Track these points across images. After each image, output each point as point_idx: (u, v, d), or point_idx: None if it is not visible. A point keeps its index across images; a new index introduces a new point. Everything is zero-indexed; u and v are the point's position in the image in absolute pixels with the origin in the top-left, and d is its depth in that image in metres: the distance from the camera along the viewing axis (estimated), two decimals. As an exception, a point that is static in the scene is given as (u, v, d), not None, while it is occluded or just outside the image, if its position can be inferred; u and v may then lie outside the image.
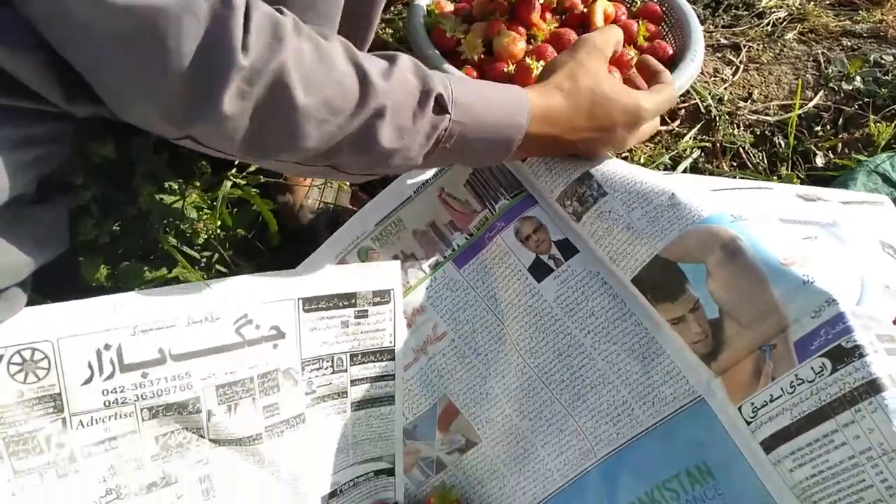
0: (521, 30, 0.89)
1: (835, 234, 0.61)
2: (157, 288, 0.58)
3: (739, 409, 0.58)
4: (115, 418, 0.55)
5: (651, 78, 0.71)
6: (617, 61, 0.81)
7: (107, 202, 0.65)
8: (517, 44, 0.86)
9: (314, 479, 0.66)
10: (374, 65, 0.52)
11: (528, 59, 0.84)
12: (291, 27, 0.48)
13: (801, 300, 0.53)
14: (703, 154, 0.95)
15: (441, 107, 0.54)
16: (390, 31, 1.13)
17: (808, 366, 0.53)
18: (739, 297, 0.56)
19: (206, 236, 0.69)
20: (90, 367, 0.54)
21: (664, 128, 0.98)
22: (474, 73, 0.87)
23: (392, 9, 1.17)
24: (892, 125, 0.91)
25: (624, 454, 0.64)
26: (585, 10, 0.93)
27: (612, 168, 0.65)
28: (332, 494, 0.68)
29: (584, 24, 0.92)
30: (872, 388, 0.49)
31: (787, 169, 0.92)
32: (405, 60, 0.54)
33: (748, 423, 0.57)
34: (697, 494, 0.60)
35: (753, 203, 0.63)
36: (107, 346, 0.55)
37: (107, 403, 0.55)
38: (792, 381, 0.54)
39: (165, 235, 0.66)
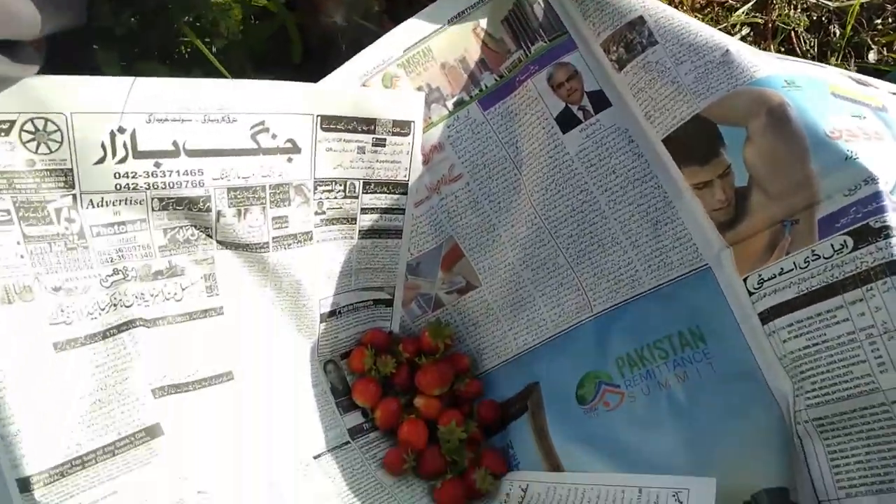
0: None
1: (883, 118, 0.58)
2: (174, 79, 0.55)
3: (745, 280, 0.58)
4: (126, 203, 0.55)
5: None
6: None
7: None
8: None
9: (315, 296, 0.67)
10: None
11: None
12: None
13: (839, 175, 0.52)
14: (752, 33, 0.90)
15: None
16: None
17: (827, 243, 0.52)
18: (775, 166, 0.55)
19: (227, 38, 0.66)
20: (103, 147, 0.53)
21: (718, -2, 0.91)
22: None
23: None
24: (960, 25, 0.86)
25: (620, 312, 0.65)
26: None
27: (668, 15, 0.61)
28: (332, 314, 0.70)
29: None
30: (891, 268, 0.49)
31: (837, 60, 0.88)
32: None
33: (750, 294, 0.57)
34: (686, 356, 0.61)
35: (808, 72, 0.60)
36: (121, 130, 0.53)
37: (118, 187, 0.54)
38: (807, 257, 0.53)
39: (186, 27, 0.62)
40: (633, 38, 0.62)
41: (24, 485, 0.48)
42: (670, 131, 0.61)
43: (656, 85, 0.61)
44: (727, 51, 0.59)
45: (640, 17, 0.62)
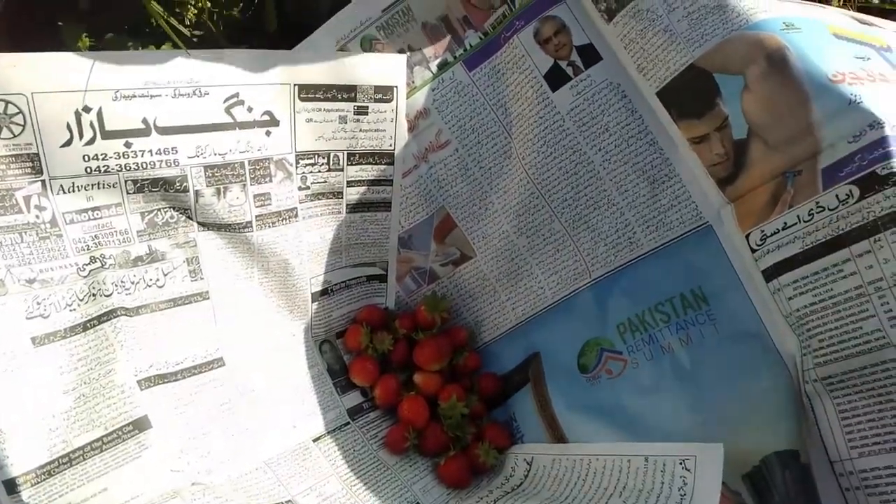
0: None
1: (888, 59, 0.55)
2: (138, 52, 0.52)
3: (747, 237, 0.55)
4: (98, 187, 0.53)
5: None
6: None
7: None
8: None
9: (304, 275, 0.65)
10: None
11: None
12: None
13: (843, 121, 0.49)
14: (749, -23, 0.86)
15: None
16: None
17: (832, 193, 0.50)
18: (775, 114, 0.52)
19: (197, 9, 0.63)
20: (69, 129, 0.50)
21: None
22: None
23: None
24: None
25: (619, 276, 0.63)
26: None
27: None
28: (323, 293, 0.68)
29: None
30: (899, 218, 0.46)
31: (839, 2, 0.84)
32: None
33: (753, 252, 0.55)
34: (689, 318, 0.59)
35: (808, 13, 0.56)
36: (86, 109, 0.51)
37: (88, 170, 0.52)
38: (811, 209, 0.51)
39: (150, 2, 0.59)
40: (623, -14, 0.59)
41: (11, 486, 0.47)
42: (664, 83, 0.58)
43: (648, 34, 0.58)
44: (722, -7, 0.55)
45: (630, -38, 0.59)
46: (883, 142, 0.48)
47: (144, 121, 0.53)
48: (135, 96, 0.53)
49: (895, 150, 0.47)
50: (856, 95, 0.49)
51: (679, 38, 0.56)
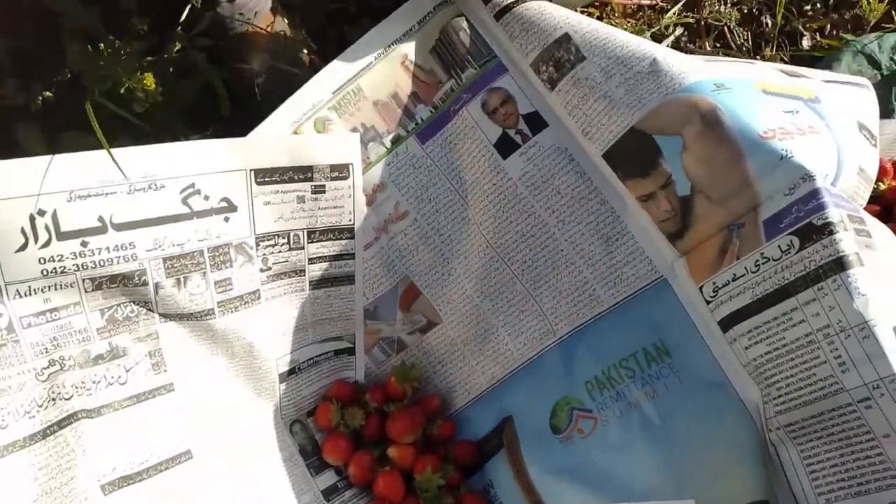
0: None
1: (816, 110, 0.58)
2: (92, 152, 0.53)
3: (700, 288, 0.57)
4: (56, 288, 0.53)
5: None
6: None
7: (32, 61, 0.59)
8: None
9: (271, 356, 0.65)
10: None
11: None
12: None
13: (777, 175, 0.51)
14: (685, 32, 0.90)
15: None
16: None
17: (775, 244, 0.51)
18: (714, 171, 0.54)
19: (148, 103, 0.64)
20: (23, 233, 0.51)
21: (646, 2, 0.91)
22: None
23: None
24: (886, 1, 0.86)
25: (583, 333, 0.64)
26: None
27: (593, 29, 0.60)
28: (291, 372, 0.68)
29: None
30: (839, 265, 0.48)
31: (771, 50, 0.88)
32: None
33: (708, 303, 0.56)
34: (653, 372, 0.60)
35: (737, 73, 0.59)
36: (41, 212, 0.51)
37: (45, 272, 0.52)
38: (757, 260, 0.53)
39: (102, 100, 0.61)
40: (561, 55, 0.62)
41: None
42: (608, 146, 0.60)
43: (589, 101, 0.60)
44: (654, 59, 0.58)
45: (566, 35, 0.61)
46: (816, 194, 0.50)
47: (100, 219, 0.54)
48: (90, 195, 0.53)
49: (828, 202, 0.49)
50: (786, 150, 0.51)
51: (618, 103, 0.58)
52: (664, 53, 0.59)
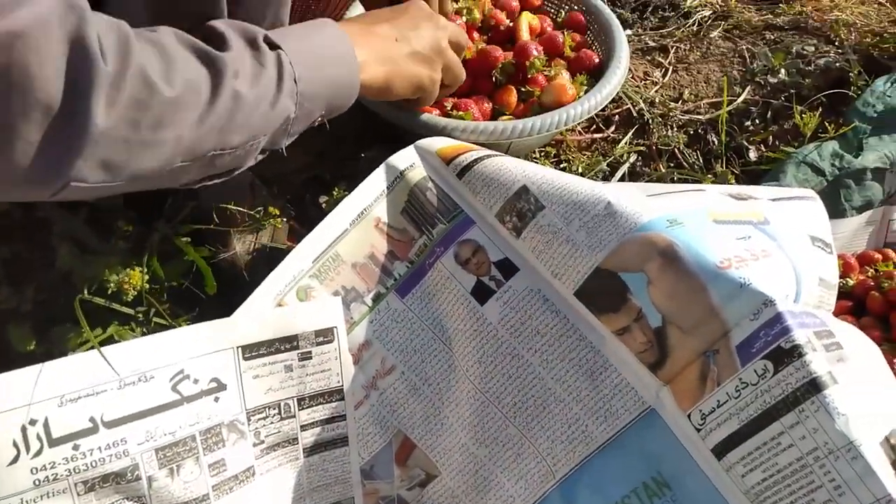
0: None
1: (767, 231, 0.61)
2: (81, 354, 0.55)
3: (689, 416, 0.57)
4: (48, 497, 0.52)
5: None
6: None
7: (23, 264, 0.62)
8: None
9: (270, 531, 0.64)
10: (207, 42, 0.54)
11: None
12: (128, 27, 0.48)
13: (739, 303, 0.54)
14: (639, 158, 0.96)
15: (269, 44, 0.57)
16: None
17: (750, 369, 0.53)
18: (680, 303, 0.56)
19: (135, 293, 0.66)
20: (15, 445, 0.51)
21: (599, 135, 0.98)
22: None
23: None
24: (817, 115, 0.93)
25: (582, 472, 0.64)
26: (511, 24, 0.93)
27: (548, 179, 0.65)
28: (292, 545, 0.66)
29: (511, 39, 0.92)
30: (814, 387, 0.49)
31: (721, 166, 0.94)
32: (231, 29, 0.56)
33: (698, 431, 0.57)
34: (657, 506, 0.59)
35: (687, 206, 0.63)
36: (32, 422, 0.52)
37: (37, 482, 0.52)
38: (737, 386, 0.54)
39: (91, 297, 0.63)
40: (523, 206, 0.66)
41: None
42: (578, 285, 0.62)
43: (553, 245, 0.63)
44: (608, 203, 0.62)
45: (524, 187, 0.66)
46: (779, 318, 0.52)
47: (91, 419, 0.54)
48: (80, 397, 0.54)
49: (791, 324, 0.51)
50: (744, 278, 0.54)
51: (581, 245, 0.62)
52: (617, 195, 0.63)
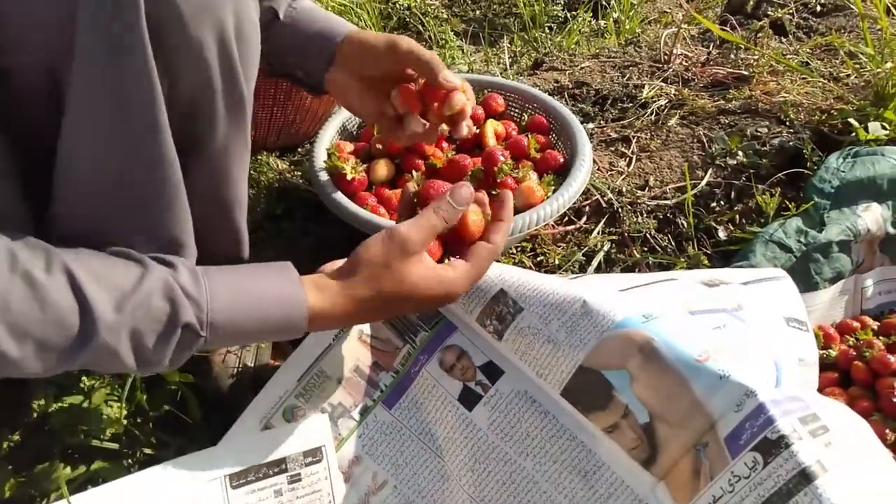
0: (419, 162, 0.93)
1: (741, 317, 0.63)
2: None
3: (688, 513, 0.56)
4: None
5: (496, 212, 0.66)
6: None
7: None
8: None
9: None
10: (107, 294, 0.48)
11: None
12: (6, 265, 0.45)
13: (722, 395, 0.54)
14: (613, 245, 0.99)
15: (193, 332, 0.51)
16: (299, 173, 1.15)
17: (741, 462, 0.53)
18: (664, 398, 0.57)
19: (122, 426, 0.66)
20: None
21: (572, 227, 1.01)
22: (385, 192, 0.90)
23: (300, 149, 1.20)
24: (777, 194, 0.97)
25: (587, 581, 0.62)
26: (477, 131, 0.97)
27: (523, 281, 0.66)
28: None
29: (477, 144, 0.97)
30: (805, 477, 0.49)
31: (693, 247, 0.96)
32: (156, 280, 0.51)
33: (700, 528, 0.56)
34: None
35: (661, 298, 0.65)
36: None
37: None
38: (730, 479, 0.53)
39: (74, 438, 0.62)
40: (502, 309, 0.67)
41: None
42: (564, 385, 0.63)
43: (535, 346, 0.64)
44: (584, 302, 0.63)
45: (502, 290, 0.67)
46: (761, 408, 0.52)
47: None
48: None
49: (775, 414, 0.52)
50: (723, 370, 0.55)
51: (562, 345, 0.63)
52: (591, 294, 0.64)
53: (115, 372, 0.55)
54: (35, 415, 0.63)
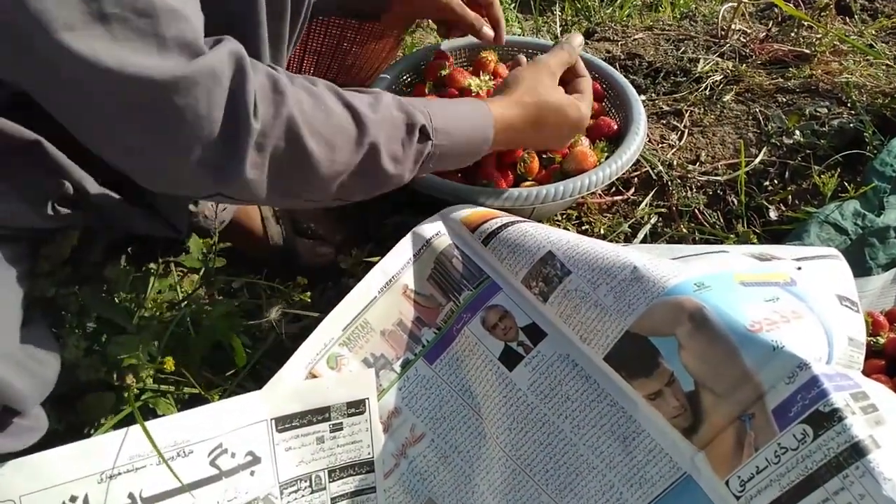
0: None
1: (794, 293, 0.62)
2: (121, 430, 0.55)
3: (727, 483, 0.56)
4: (85, 573, 0.52)
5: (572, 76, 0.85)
6: None
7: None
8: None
9: None
10: (361, 101, 0.60)
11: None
12: (287, 80, 0.54)
13: (774, 366, 0.53)
14: (660, 219, 0.97)
15: (424, 135, 0.64)
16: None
17: (789, 434, 0.52)
18: (712, 367, 0.56)
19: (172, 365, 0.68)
20: (54, 522, 0.52)
21: (619, 198, 1.00)
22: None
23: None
24: (836, 175, 0.94)
25: (620, 542, 0.62)
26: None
27: (573, 244, 0.66)
28: None
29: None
30: (857, 451, 0.48)
31: (742, 225, 0.94)
32: (387, 96, 0.63)
33: (737, 498, 0.56)
34: (700, 579, 0.58)
35: (714, 269, 0.64)
36: (73, 498, 0.53)
37: (75, 559, 0.52)
38: (776, 451, 0.53)
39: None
40: (549, 271, 0.67)
41: None
42: (608, 350, 0.63)
43: (582, 310, 0.64)
44: (635, 267, 0.63)
45: (550, 252, 0.67)
46: (815, 381, 0.52)
47: (130, 495, 0.55)
48: (119, 474, 0.55)
49: (828, 387, 0.51)
50: (777, 341, 0.54)
51: (609, 310, 0.62)
52: (642, 260, 0.63)
53: (372, 188, 0.64)
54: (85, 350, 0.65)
